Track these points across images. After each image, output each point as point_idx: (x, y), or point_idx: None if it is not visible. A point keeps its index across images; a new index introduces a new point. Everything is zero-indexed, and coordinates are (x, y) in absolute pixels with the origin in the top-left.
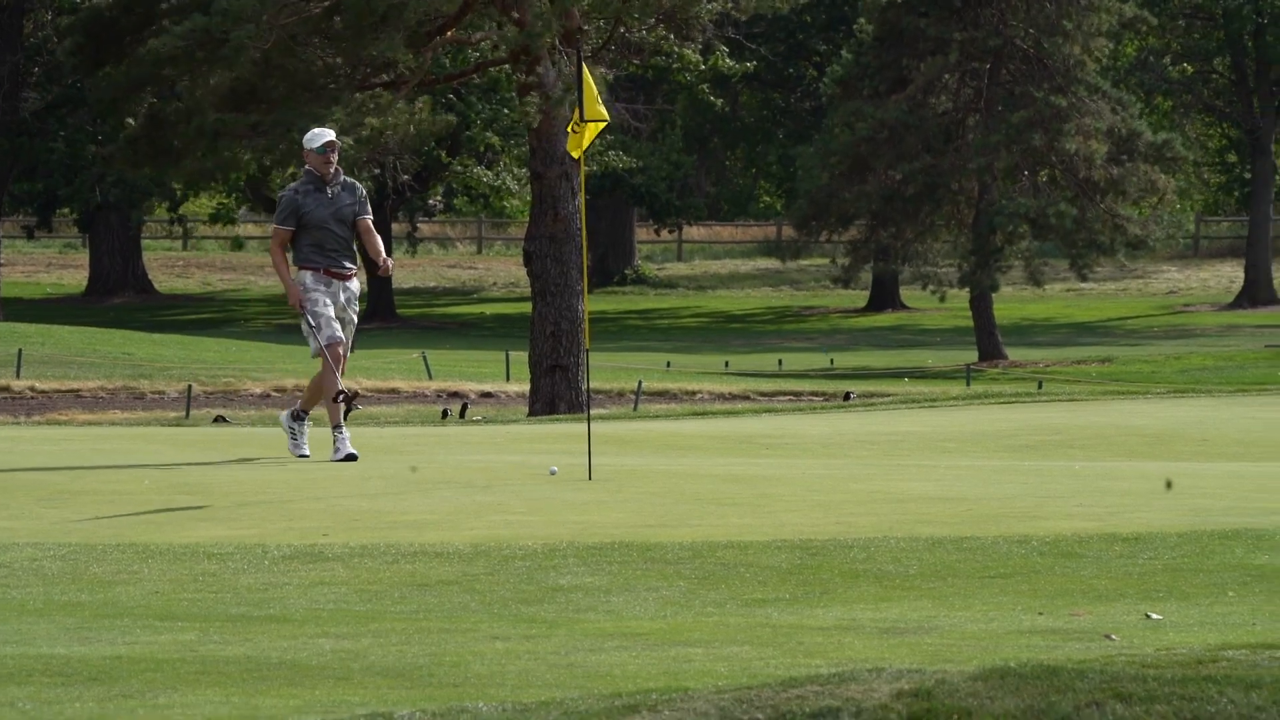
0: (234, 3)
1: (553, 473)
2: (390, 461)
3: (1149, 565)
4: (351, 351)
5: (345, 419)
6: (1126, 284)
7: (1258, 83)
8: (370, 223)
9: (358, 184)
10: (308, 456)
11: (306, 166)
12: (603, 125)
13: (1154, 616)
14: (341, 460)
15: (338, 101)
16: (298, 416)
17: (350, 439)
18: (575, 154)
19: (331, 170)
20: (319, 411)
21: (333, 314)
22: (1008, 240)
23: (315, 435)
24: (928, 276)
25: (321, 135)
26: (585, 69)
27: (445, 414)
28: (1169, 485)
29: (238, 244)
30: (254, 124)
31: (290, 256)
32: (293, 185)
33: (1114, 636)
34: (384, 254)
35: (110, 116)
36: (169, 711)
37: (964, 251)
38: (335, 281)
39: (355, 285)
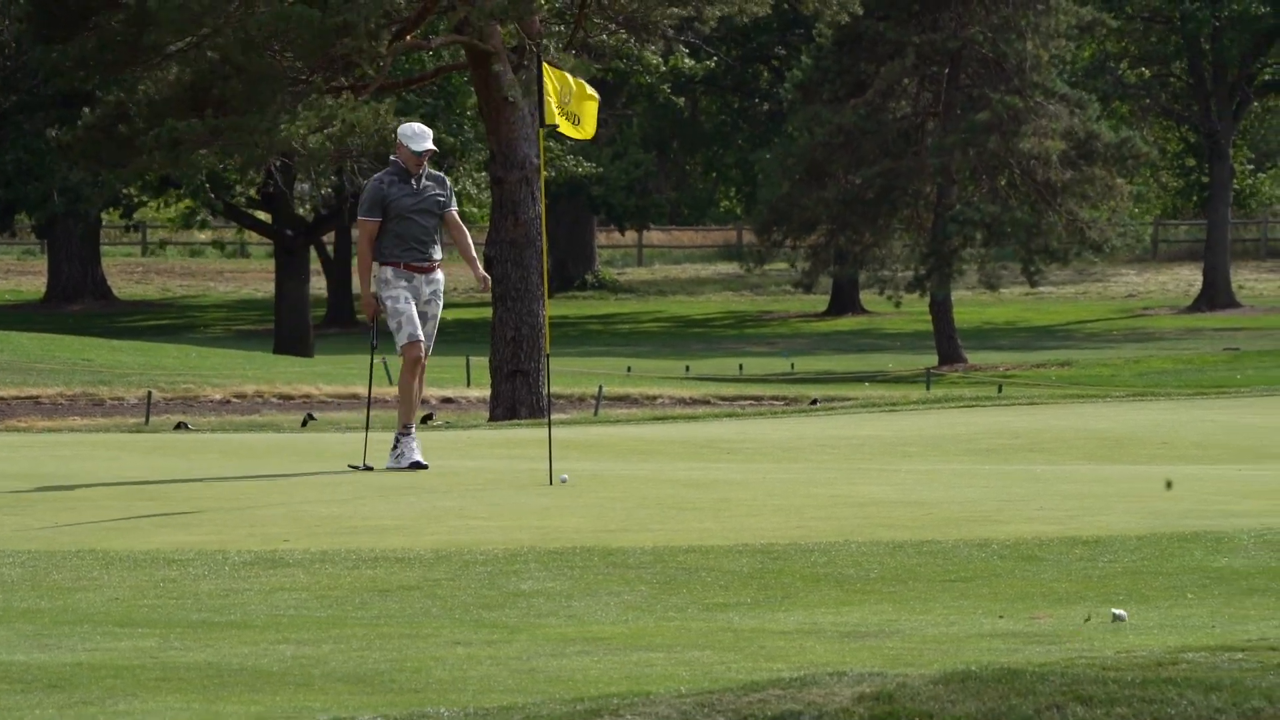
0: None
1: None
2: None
3: (1109, 568)
4: (430, 351)
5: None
6: (1086, 287)
7: (1215, 86)
8: (458, 216)
9: (445, 176)
10: (425, 465)
11: (394, 158)
12: (595, 103)
13: (1118, 613)
14: (406, 469)
15: (298, 103)
16: (406, 430)
17: (420, 447)
18: (578, 136)
19: (421, 171)
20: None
21: (414, 311)
22: (964, 245)
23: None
24: (885, 281)
25: (423, 138)
26: (548, 69)
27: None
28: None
29: (195, 252)
30: (214, 128)
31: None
32: (377, 175)
33: (1042, 616)
34: (480, 265)
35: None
36: (129, 718)
37: (921, 256)
38: (418, 275)
39: (440, 277)
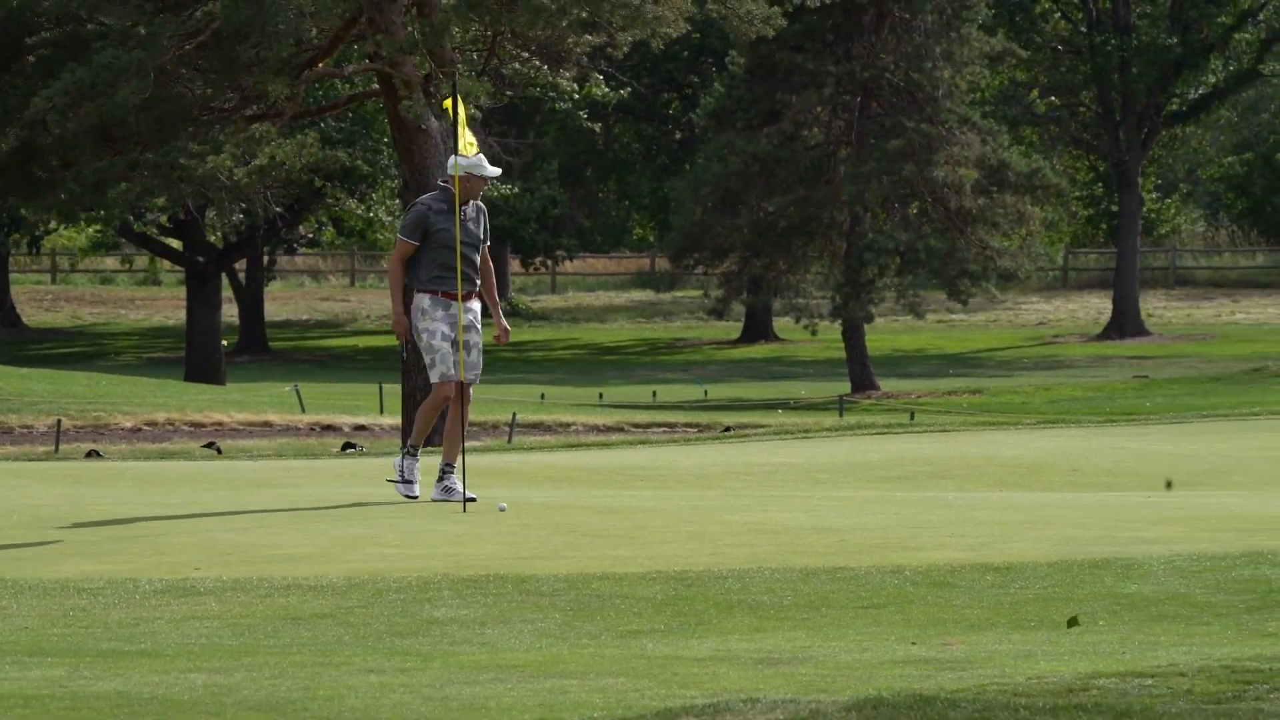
0: (116, 57)
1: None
2: (263, 495)
3: (1020, 594)
4: (479, 378)
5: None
6: (997, 315)
7: (1124, 116)
8: (486, 250)
9: (484, 208)
10: (416, 498)
11: (444, 184)
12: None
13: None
14: (448, 500)
15: (208, 133)
16: (413, 451)
17: (461, 483)
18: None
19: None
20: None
21: (449, 348)
22: (879, 273)
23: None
24: (800, 309)
25: (487, 165)
26: (459, 101)
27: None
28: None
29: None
30: (132, 163)
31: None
32: (424, 199)
33: (953, 643)
34: (499, 309)
35: None
36: None
37: (836, 283)
38: (454, 304)
39: (476, 305)
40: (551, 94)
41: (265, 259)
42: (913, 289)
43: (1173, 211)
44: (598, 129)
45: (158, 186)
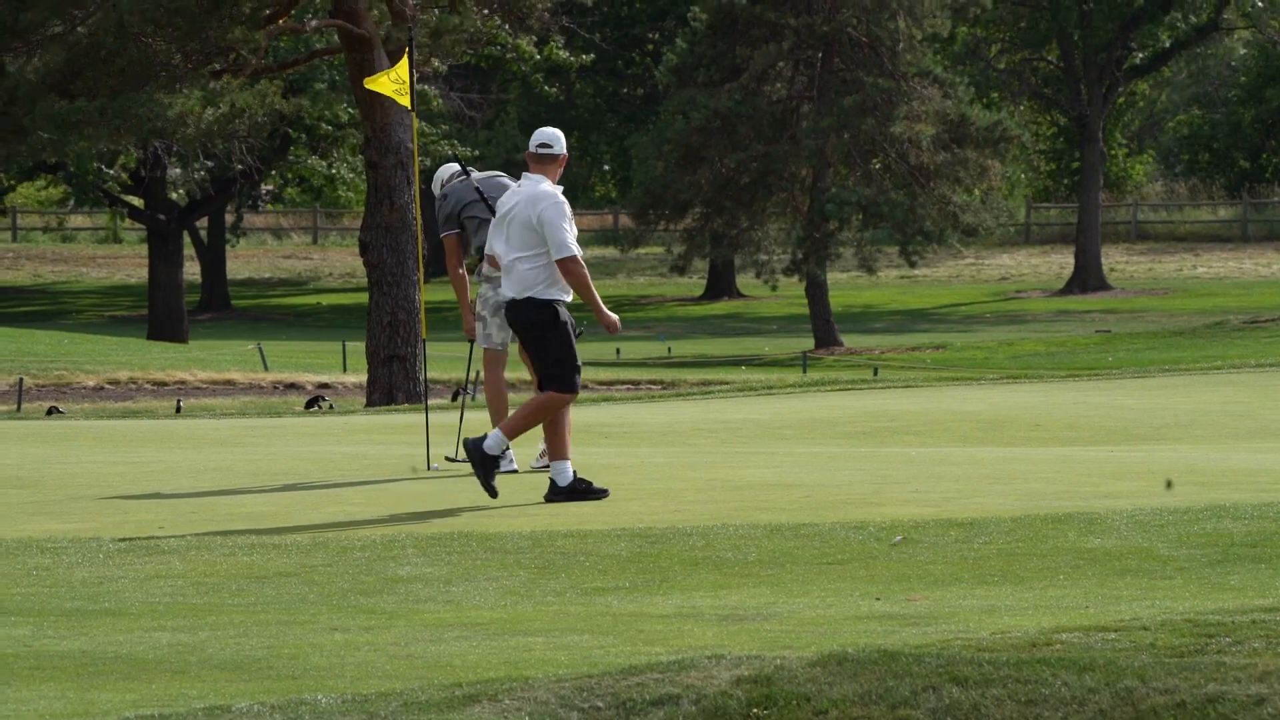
0: None
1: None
2: (227, 454)
3: (984, 550)
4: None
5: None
6: (959, 270)
7: (1085, 70)
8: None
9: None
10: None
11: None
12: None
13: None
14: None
15: (170, 88)
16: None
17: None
18: (370, 87)
19: None
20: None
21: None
22: (840, 228)
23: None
24: (761, 265)
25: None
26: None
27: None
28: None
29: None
30: (100, 109)
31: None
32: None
33: (918, 598)
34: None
35: None
36: (2, 708)
37: (798, 239)
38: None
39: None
40: (512, 55)
41: (232, 216)
42: (873, 244)
43: (1137, 167)
44: (557, 93)
45: (124, 129)
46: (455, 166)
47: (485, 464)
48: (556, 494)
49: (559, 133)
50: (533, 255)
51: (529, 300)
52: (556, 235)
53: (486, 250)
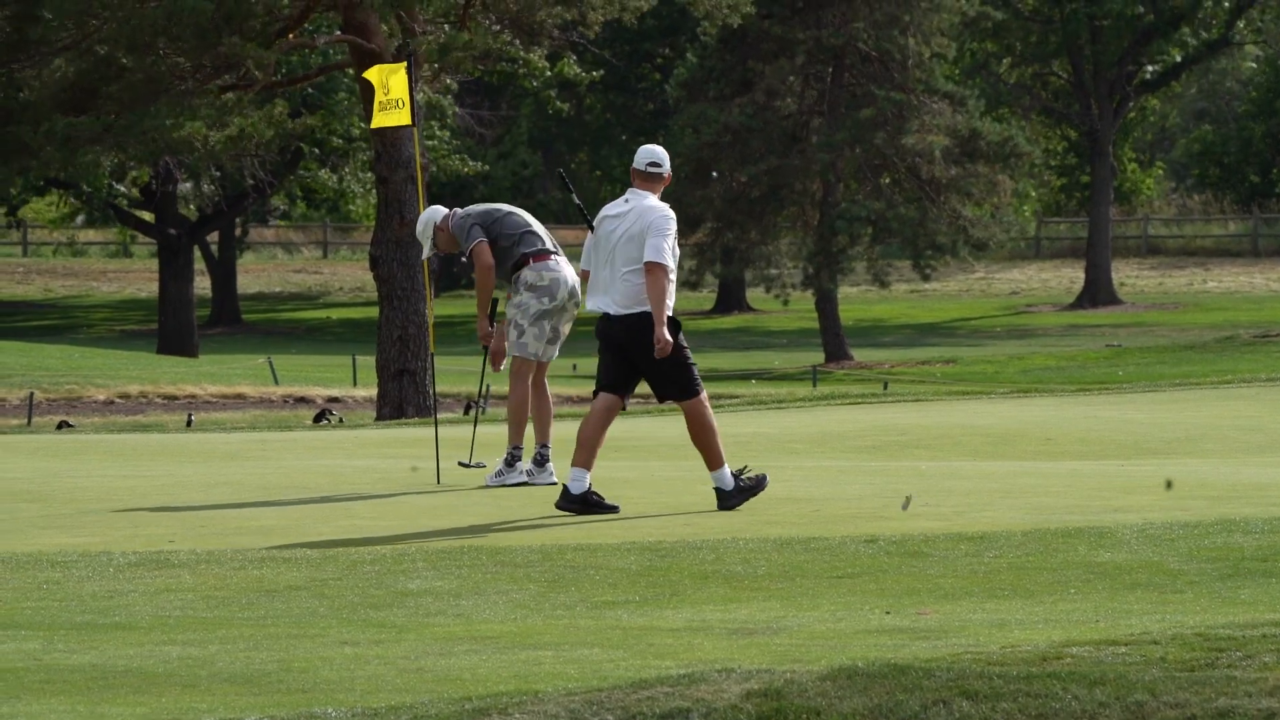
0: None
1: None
2: (237, 468)
3: (994, 563)
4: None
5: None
6: (970, 285)
7: (1095, 85)
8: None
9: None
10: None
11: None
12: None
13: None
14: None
15: (182, 104)
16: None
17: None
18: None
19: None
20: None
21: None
22: (851, 243)
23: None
24: (771, 279)
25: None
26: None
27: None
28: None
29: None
30: (106, 126)
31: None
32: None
33: (928, 612)
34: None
35: None
36: None
37: (808, 253)
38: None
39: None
40: (523, 70)
41: (238, 230)
42: (884, 259)
43: (1148, 182)
44: (568, 109)
45: (131, 147)
46: (441, 208)
47: (745, 493)
48: (569, 501)
49: (665, 152)
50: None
51: (645, 314)
52: (655, 240)
53: (581, 264)
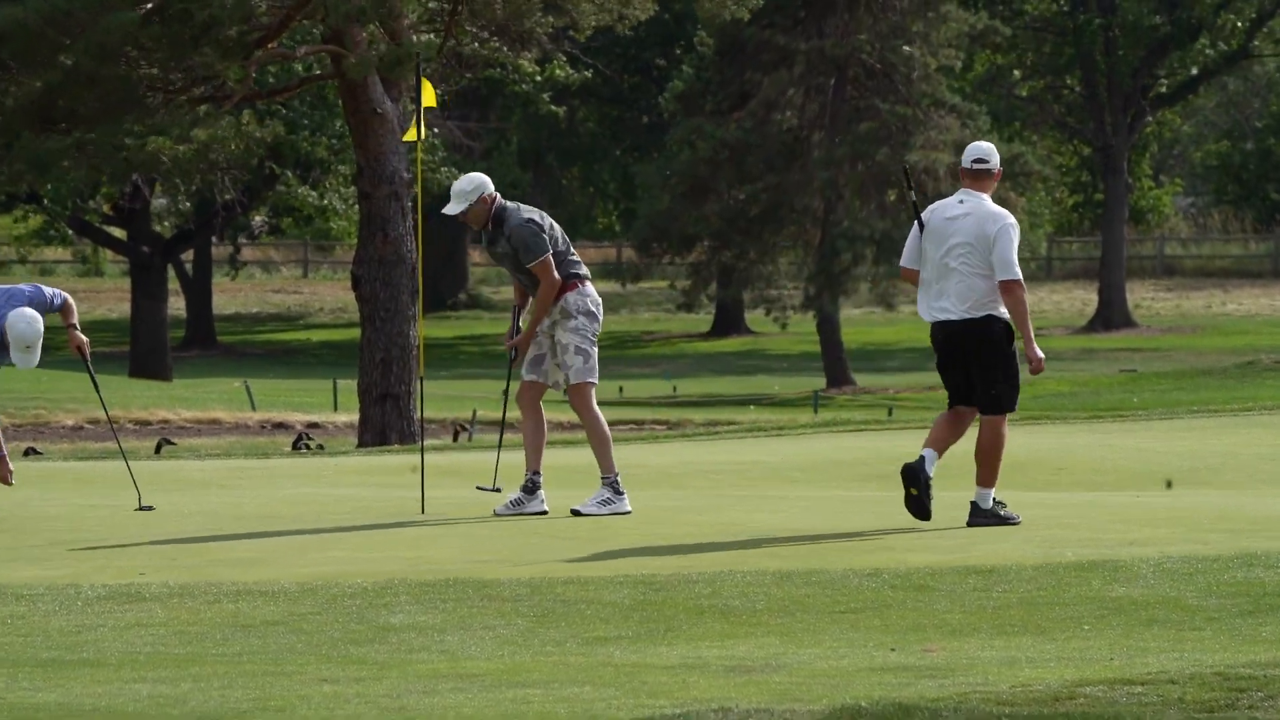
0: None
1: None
2: (212, 496)
3: (1004, 598)
4: (567, 381)
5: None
6: None
7: (1109, 99)
8: (537, 268)
9: (507, 228)
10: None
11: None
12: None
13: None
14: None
15: (153, 115)
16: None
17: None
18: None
19: (477, 225)
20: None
21: (530, 355)
22: (854, 263)
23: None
24: (771, 301)
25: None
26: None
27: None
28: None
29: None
30: (78, 142)
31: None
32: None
33: (934, 648)
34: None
35: None
36: None
37: (809, 273)
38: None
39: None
40: (513, 75)
41: (232, 248)
42: (887, 279)
43: (1166, 200)
44: (560, 113)
45: (102, 165)
46: (489, 182)
47: (995, 520)
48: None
49: (992, 147)
50: (986, 274)
51: (989, 318)
52: (1007, 254)
53: (904, 264)
